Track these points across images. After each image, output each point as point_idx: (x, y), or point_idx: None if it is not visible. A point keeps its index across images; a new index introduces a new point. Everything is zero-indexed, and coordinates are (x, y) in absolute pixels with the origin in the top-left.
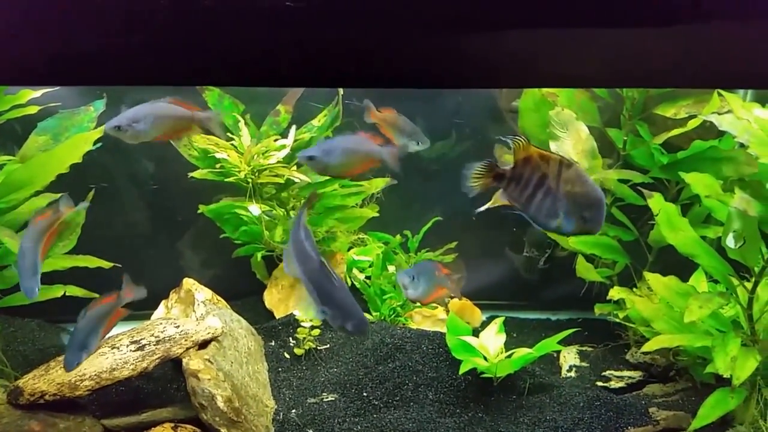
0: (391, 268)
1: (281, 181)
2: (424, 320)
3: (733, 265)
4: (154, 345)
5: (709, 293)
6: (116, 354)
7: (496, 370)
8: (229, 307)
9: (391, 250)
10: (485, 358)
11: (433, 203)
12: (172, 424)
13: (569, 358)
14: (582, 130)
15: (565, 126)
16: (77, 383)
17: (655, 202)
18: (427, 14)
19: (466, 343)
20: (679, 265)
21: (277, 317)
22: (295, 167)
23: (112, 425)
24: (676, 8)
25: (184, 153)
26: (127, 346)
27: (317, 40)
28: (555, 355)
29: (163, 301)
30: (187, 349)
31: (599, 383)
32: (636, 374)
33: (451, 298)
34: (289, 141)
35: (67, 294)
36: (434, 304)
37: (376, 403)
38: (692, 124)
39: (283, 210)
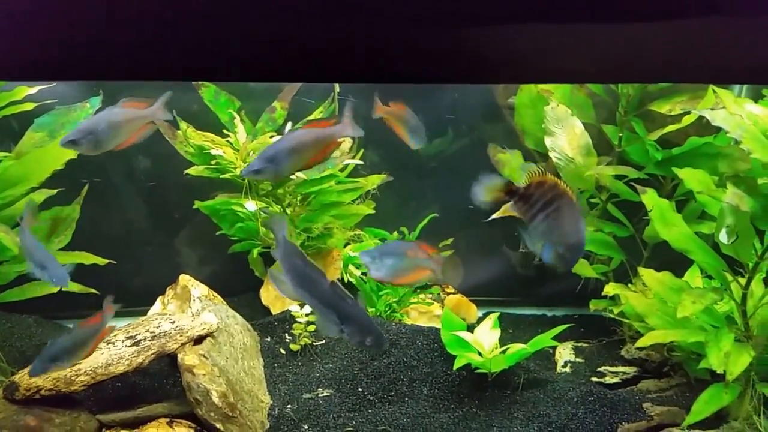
0: None
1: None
2: (420, 316)
3: (728, 261)
4: (150, 340)
5: (703, 289)
6: (112, 349)
7: (491, 366)
8: (225, 303)
9: None
10: (480, 354)
11: (429, 200)
12: (168, 420)
13: (565, 354)
14: (577, 126)
15: (560, 122)
16: (73, 378)
17: (649, 197)
18: (423, 9)
19: (461, 338)
20: (675, 262)
21: (273, 314)
22: None
23: (108, 420)
24: (672, 2)
25: (180, 150)
26: (123, 341)
27: (313, 34)
28: (551, 351)
29: (160, 297)
30: (183, 344)
31: (594, 379)
32: (631, 370)
33: (447, 291)
34: None
35: (63, 290)
36: (429, 300)
37: (371, 398)
38: (687, 120)
39: (279, 206)
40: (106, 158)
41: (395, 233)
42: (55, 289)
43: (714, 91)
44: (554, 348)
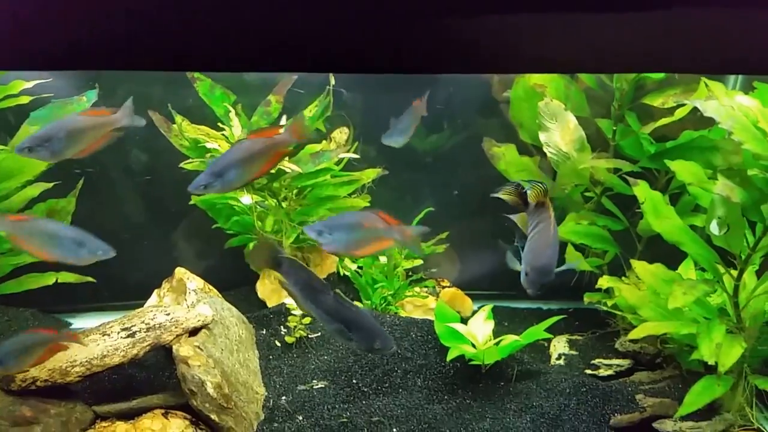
0: (383, 259)
1: (272, 171)
2: (415, 309)
3: (720, 253)
4: (145, 332)
5: (694, 280)
6: (107, 341)
7: (484, 357)
8: (220, 296)
9: None
10: (473, 345)
11: (424, 194)
12: (163, 411)
13: (559, 346)
14: (570, 121)
15: (554, 117)
16: (68, 369)
17: (641, 190)
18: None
19: (454, 330)
20: (669, 255)
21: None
22: (286, 158)
23: (103, 411)
24: None
25: (175, 143)
26: (118, 333)
27: (308, 24)
28: (546, 343)
29: (156, 290)
30: (178, 336)
31: (588, 371)
32: (625, 362)
33: (442, 285)
34: None
35: (59, 281)
36: (425, 294)
37: (366, 390)
38: (680, 113)
39: (274, 200)
40: (102, 152)
41: None
42: (51, 281)
43: (705, 84)
44: (549, 341)
